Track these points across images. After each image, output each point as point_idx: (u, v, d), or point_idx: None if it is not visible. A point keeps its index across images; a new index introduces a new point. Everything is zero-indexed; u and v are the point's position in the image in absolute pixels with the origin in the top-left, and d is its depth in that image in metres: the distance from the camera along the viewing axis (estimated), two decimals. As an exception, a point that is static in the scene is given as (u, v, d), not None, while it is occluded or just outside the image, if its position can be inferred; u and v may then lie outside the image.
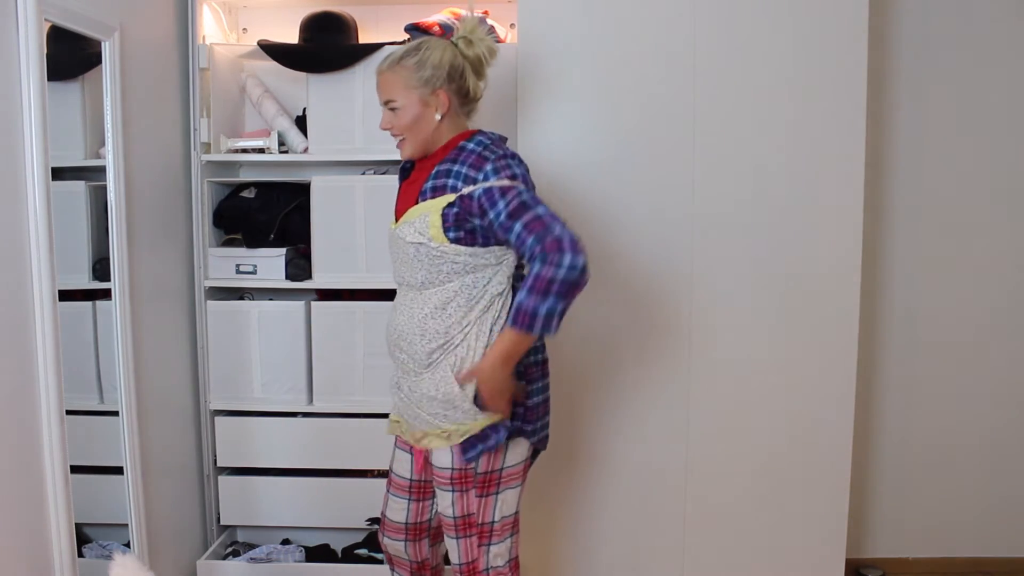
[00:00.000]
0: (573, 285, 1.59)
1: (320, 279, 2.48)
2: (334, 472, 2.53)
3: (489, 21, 2.54)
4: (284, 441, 2.53)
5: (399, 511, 1.94)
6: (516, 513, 1.85)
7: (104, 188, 2.03)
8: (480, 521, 1.80)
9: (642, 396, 2.38)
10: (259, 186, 2.58)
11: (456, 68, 1.76)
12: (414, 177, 1.82)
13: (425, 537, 1.98)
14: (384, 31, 2.62)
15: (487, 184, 1.65)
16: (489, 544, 1.82)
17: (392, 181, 2.46)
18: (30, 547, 1.72)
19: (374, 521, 2.52)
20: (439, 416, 1.75)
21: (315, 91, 2.46)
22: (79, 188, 2.08)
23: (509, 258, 1.76)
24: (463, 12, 2.50)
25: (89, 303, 2.13)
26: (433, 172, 1.75)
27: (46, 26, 1.71)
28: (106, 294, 2.07)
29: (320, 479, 2.54)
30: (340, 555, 2.59)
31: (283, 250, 2.49)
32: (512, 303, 1.69)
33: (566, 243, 1.58)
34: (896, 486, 2.75)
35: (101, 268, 2.09)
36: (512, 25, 2.56)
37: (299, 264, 2.49)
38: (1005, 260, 2.66)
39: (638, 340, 2.36)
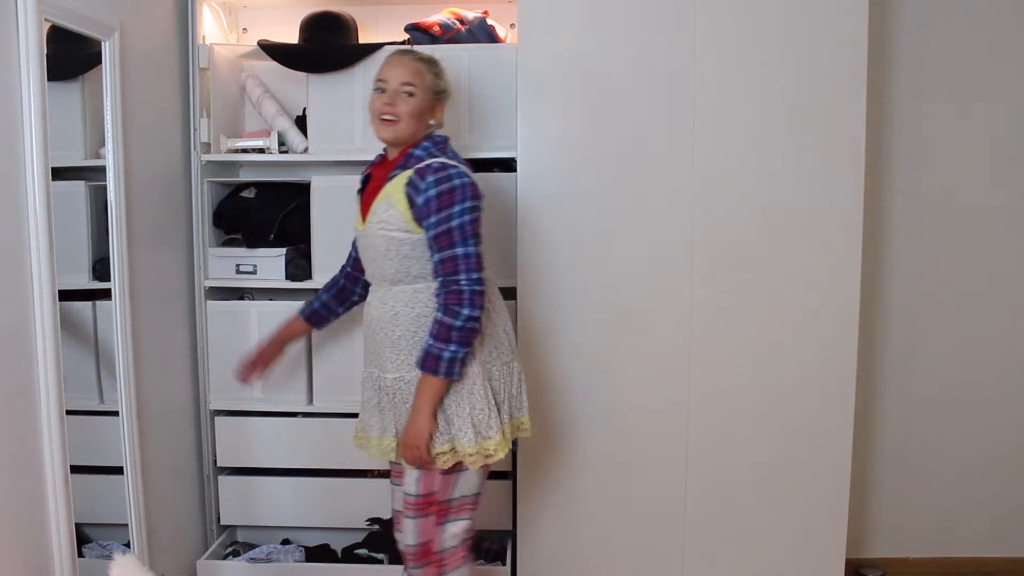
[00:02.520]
0: (470, 332, 1.74)
1: (320, 279, 2.48)
2: (334, 472, 2.53)
3: (489, 21, 2.54)
4: (284, 441, 2.53)
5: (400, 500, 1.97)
6: (477, 495, 1.90)
7: (104, 188, 2.03)
8: (440, 499, 1.85)
9: (641, 395, 2.38)
10: (259, 186, 2.58)
11: (449, 96, 1.91)
12: (371, 187, 1.89)
13: None
14: (384, 31, 2.62)
15: (427, 194, 1.73)
16: (446, 522, 1.86)
17: None
18: (30, 547, 1.72)
19: (374, 521, 2.52)
20: None
21: (315, 91, 2.46)
22: (79, 188, 2.08)
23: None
24: (465, 13, 2.51)
25: (89, 303, 2.13)
26: (387, 177, 1.83)
27: (46, 26, 1.71)
28: (106, 294, 2.07)
29: (320, 479, 2.54)
30: (340, 555, 2.59)
31: (283, 250, 2.48)
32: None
33: (465, 297, 1.72)
34: (896, 486, 2.75)
35: (101, 268, 2.09)
36: (512, 25, 2.56)
37: (299, 264, 2.49)
38: (1006, 260, 2.66)
39: (638, 340, 2.36)
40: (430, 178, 1.73)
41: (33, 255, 1.70)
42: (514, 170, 2.37)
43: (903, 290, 2.69)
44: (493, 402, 1.81)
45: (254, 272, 2.50)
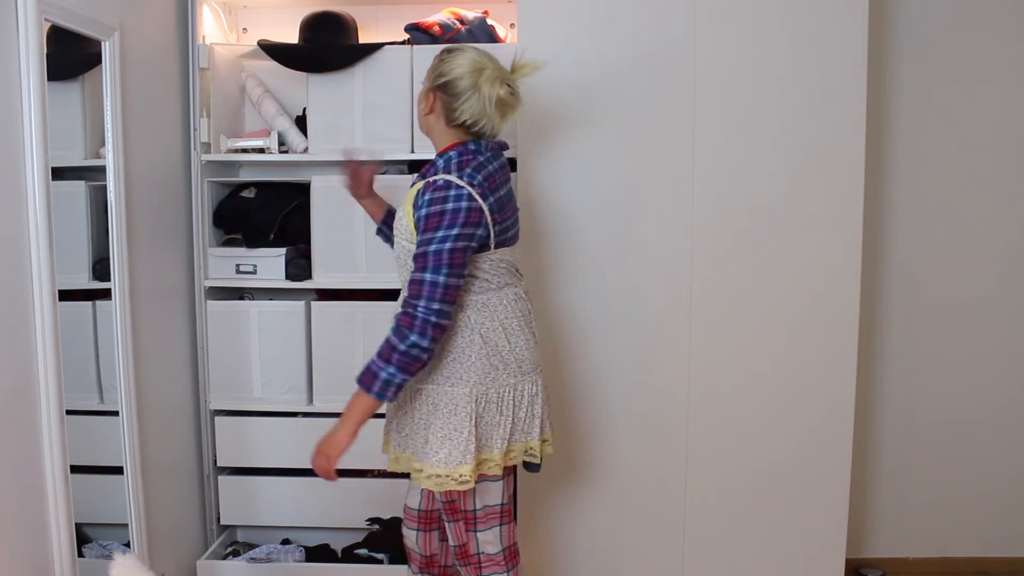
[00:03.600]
0: (412, 360, 1.66)
1: (320, 279, 2.48)
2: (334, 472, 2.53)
3: (489, 21, 2.54)
4: (284, 441, 2.53)
5: (415, 497, 1.99)
6: (503, 504, 1.86)
7: (104, 188, 2.03)
8: (463, 508, 1.84)
9: (642, 395, 2.38)
10: (259, 186, 2.58)
11: (456, 84, 1.75)
12: None
13: (435, 530, 2.00)
14: (384, 31, 2.62)
15: (420, 212, 1.69)
16: (475, 531, 1.85)
17: (392, 181, 2.45)
18: (30, 547, 1.72)
19: (374, 521, 2.52)
20: None
21: (315, 91, 2.46)
22: (79, 188, 2.08)
23: (481, 277, 1.77)
24: (465, 13, 2.50)
25: (89, 303, 2.13)
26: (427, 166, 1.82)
27: (46, 26, 1.71)
28: (106, 294, 2.07)
29: (320, 479, 2.53)
30: (340, 555, 2.59)
31: (283, 250, 2.49)
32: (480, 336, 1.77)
33: (417, 323, 1.65)
34: (896, 486, 2.75)
35: (101, 268, 2.09)
36: (512, 25, 2.56)
37: (299, 264, 2.49)
38: (1007, 258, 2.66)
39: (638, 341, 2.36)
40: (427, 196, 1.68)
41: (33, 255, 1.70)
42: (514, 170, 2.37)
43: (903, 290, 2.68)
44: (474, 430, 1.74)
45: (254, 272, 2.50)
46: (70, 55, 1.99)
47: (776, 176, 2.30)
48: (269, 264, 2.49)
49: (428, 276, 1.65)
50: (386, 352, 1.66)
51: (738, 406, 2.37)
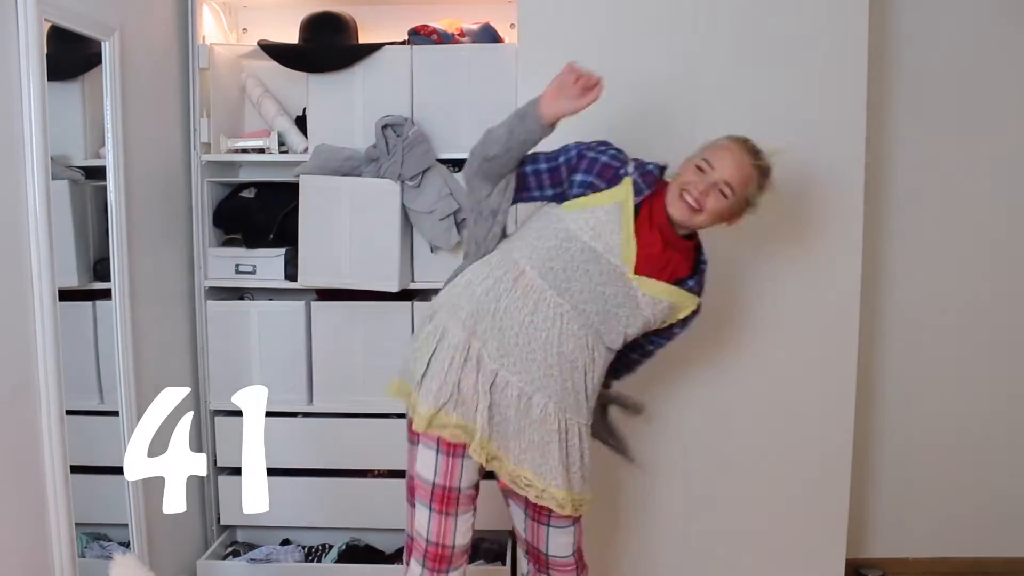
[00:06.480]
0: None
1: (305, 282, 2.44)
2: (334, 472, 2.53)
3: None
4: (284, 441, 2.52)
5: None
6: (433, 484, 1.71)
7: (104, 188, 2.03)
8: (408, 471, 1.77)
9: (641, 393, 2.38)
10: (259, 186, 2.58)
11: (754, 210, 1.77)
12: (661, 242, 1.73)
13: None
14: (384, 31, 2.62)
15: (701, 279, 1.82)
16: (412, 503, 1.77)
17: (381, 184, 2.40)
18: (30, 547, 1.72)
19: None
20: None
21: (315, 91, 2.46)
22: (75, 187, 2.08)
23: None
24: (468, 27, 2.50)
25: (89, 303, 2.13)
26: (699, 272, 1.79)
27: (46, 26, 1.71)
28: (106, 294, 2.07)
29: (320, 479, 2.54)
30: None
31: (282, 250, 2.48)
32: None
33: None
34: (896, 486, 2.75)
35: (101, 268, 2.09)
36: (512, 25, 2.56)
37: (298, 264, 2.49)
38: (1007, 260, 2.66)
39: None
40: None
41: (33, 255, 1.70)
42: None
43: (904, 291, 2.68)
44: (455, 376, 1.66)
45: (254, 272, 2.50)
46: (70, 55, 1.99)
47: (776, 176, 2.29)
48: (269, 264, 2.49)
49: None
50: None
51: (738, 405, 2.37)
